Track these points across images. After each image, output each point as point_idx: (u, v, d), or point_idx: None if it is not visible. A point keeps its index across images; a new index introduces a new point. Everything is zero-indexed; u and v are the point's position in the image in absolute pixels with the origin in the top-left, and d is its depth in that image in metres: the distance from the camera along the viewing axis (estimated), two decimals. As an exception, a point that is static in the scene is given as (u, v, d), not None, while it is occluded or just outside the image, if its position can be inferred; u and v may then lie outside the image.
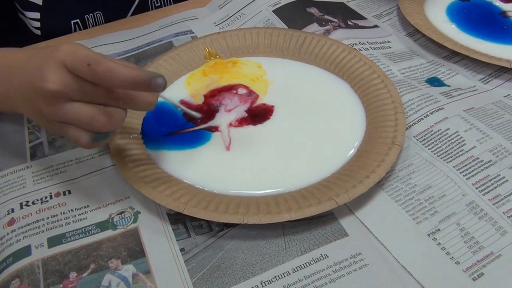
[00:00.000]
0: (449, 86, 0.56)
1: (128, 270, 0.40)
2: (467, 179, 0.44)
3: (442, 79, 0.57)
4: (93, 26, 0.71)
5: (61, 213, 0.44)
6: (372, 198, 0.44)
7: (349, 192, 0.42)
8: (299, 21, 0.65)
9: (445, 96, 0.53)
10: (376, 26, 0.67)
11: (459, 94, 0.54)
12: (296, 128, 0.51)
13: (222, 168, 0.47)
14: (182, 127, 0.51)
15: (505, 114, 0.51)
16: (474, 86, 0.56)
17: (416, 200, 0.43)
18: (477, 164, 0.45)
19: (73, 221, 0.44)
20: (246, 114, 0.52)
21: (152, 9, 0.76)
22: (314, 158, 0.48)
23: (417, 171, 0.46)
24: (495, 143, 0.47)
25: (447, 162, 0.46)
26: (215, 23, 0.69)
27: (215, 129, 0.50)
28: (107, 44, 0.66)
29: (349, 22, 0.66)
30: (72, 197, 0.46)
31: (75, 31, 0.70)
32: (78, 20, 0.69)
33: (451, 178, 0.44)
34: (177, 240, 0.42)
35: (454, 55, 0.60)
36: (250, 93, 0.55)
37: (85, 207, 0.45)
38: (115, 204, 0.45)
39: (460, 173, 0.45)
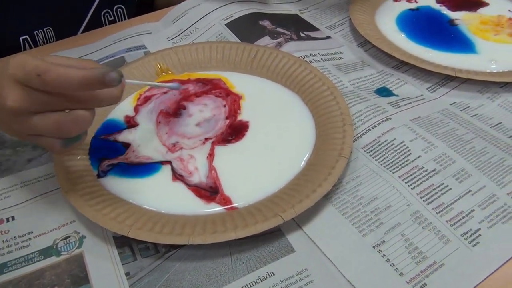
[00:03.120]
0: (397, 96, 0.57)
1: (71, 298, 0.39)
2: (412, 189, 0.45)
3: (391, 89, 0.58)
4: (43, 42, 0.70)
5: (3, 241, 0.43)
6: (320, 212, 0.44)
7: (295, 207, 0.42)
8: (252, 35, 0.65)
9: (393, 106, 0.54)
10: (328, 37, 0.68)
11: (406, 104, 0.55)
12: (246, 144, 0.51)
13: (170, 188, 0.46)
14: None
15: (450, 122, 0.52)
16: (422, 95, 0.57)
17: (363, 212, 0.43)
18: (421, 173, 0.46)
19: (15, 249, 0.42)
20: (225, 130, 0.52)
21: (106, 24, 0.75)
22: (263, 174, 0.48)
23: (364, 183, 0.46)
24: (440, 151, 0.48)
25: (393, 173, 0.46)
26: (168, 37, 0.68)
27: (166, 163, 0.49)
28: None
29: (302, 34, 0.67)
30: (15, 224, 0.45)
31: (24, 48, 0.69)
32: (27, 36, 0.68)
33: (396, 189, 0.45)
34: (122, 264, 0.41)
35: (403, 65, 0.61)
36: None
37: (28, 233, 0.44)
38: (60, 229, 0.44)
39: (406, 183, 0.45)
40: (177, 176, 0.47)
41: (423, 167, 0.46)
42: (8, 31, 0.66)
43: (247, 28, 0.66)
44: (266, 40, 0.64)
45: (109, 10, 0.75)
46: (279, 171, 0.48)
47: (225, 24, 0.67)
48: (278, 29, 0.66)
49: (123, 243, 0.43)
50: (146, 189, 0.46)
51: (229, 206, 0.45)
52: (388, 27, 0.68)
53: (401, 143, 0.49)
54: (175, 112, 0.54)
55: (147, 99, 0.56)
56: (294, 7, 0.75)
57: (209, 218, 0.43)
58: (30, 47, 0.70)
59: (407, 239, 0.41)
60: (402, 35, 0.66)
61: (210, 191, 0.46)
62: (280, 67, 0.59)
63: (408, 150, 0.48)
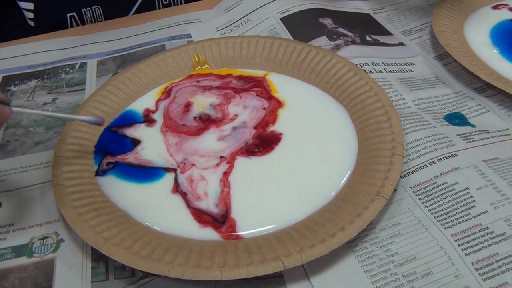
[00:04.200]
0: (473, 126, 0.45)
1: (26, 311, 0.34)
2: (466, 254, 0.34)
3: (467, 116, 0.46)
4: (91, 21, 0.67)
5: (-19, 229, 0.39)
6: (337, 262, 0.35)
7: (303, 252, 0.33)
8: (307, 33, 0.56)
9: (464, 139, 0.42)
10: (401, 44, 0.57)
11: (484, 139, 0.43)
12: (273, 160, 0.43)
13: (166, 200, 0.39)
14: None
15: (539, 171, 0.39)
16: (507, 129, 0.44)
17: (393, 274, 0.33)
18: (484, 236, 0.34)
19: (-10, 240, 0.38)
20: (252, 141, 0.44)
21: (160, 7, 0.70)
22: (281, 200, 0.39)
23: (403, 234, 0.36)
24: (516, 210, 0.36)
25: (445, 228, 0.35)
26: (217, 28, 0.62)
27: (171, 170, 0.42)
28: (98, 43, 0.61)
29: (368, 37, 0.57)
30: (0, 212, 0.41)
31: (71, 25, 0.66)
32: (74, 13, 0.65)
33: (445, 251, 0.34)
34: (92, 282, 0.35)
35: (489, 88, 0.49)
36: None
37: (9, 225, 0.40)
38: (41, 227, 0.39)
39: (459, 245, 0.34)
40: (179, 190, 0.40)
41: (487, 228, 0.35)
42: (55, 7, 0.64)
43: (303, 24, 0.57)
44: (322, 41, 0.55)
45: None
46: (300, 201, 0.39)
47: (280, 18, 0.59)
48: (340, 29, 0.57)
49: (100, 255, 0.36)
50: (141, 197, 0.40)
51: (228, 233, 0.37)
52: (478, 38, 0.55)
53: (465, 189, 0.38)
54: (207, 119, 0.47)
55: (168, 93, 0.50)
56: (367, 5, 0.64)
57: (197, 246, 0.35)
58: (77, 25, 0.67)
59: (446, 324, 0.30)
60: (495, 51, 0.53)
61: (218, 220, 0.38)
62: (331, 73, 0.50)
63: (472, 201, 0.37)
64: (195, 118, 0.47)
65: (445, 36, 0.53)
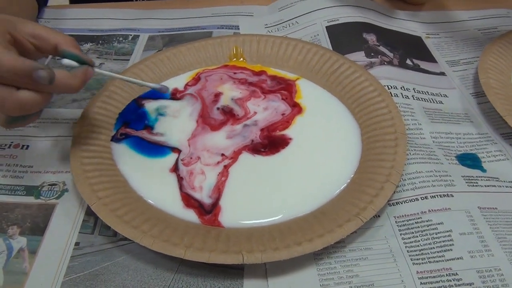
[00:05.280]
0: (484, 171, 0.43)
1: (19, 242, 0.38)
2: (425, 295, 0.33)
3: (482, 159, 0.44)
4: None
5: (6, 164, 0.45)
6: (298, 270, 0.36)
7: (265, 252, 0.35)
8: (347, 45, 0.56)
9: (467, 182, 0.41)
10: (442, 73, 0.55)
11: (489, 186, 0.41)
12: (274, 162, 0.44)
13: (162, 176, 0.42)
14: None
15: (537, 231, 0.37)
16: (521, 182, 0.42)
17: (346, 294, 0.34)
18: (450, 281, 0.34)
19: (10, 176, 0.44)
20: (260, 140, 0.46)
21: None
22: (270, 200, 0.41)
23: (370, 260, 0.36)
24: (493, 264, 0.35)
25: (413, 263, 0.35)
26: (266, 25, 0.63)
27: (176, 150, 0.45)
28: (154, 19, 0.65)
29: (408, 61, 0.56)
30: (25, 153, 0.46)
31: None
32: None
33: (405, 285, 0.34)
34: (79, 232, 0.39)
35: (517, 135, 0.47)
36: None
37: (29, 166, 0.45)
38: (54, 174, 0.44)
39: (421, 283, 0.34)
40: (176, 172, 0.43)
41: (456, 274, 0.34)
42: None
43: (346, 36, 0.58)
44: (359, 56, 0.55)
45: None
46: (285, 205, 0.40)
47: (326, 26, 0.60)
48: (381, 48, 0.56)
49: (92, 211, 0.40)
50: (143, 169, 0.43)
51: (209, 216, 0.39)
52: (525, 83, 0.52)
53: (447, 231, 0.37)
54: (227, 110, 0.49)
55: (197, 80, 0.53)
56: (422, 29, 0.63)
57: (175, 224, 0.38)
58: (143, -1, 0.72)
59: None
60: (539, 99, 0.50)
61: (205, 209, 0.40)
62: (356, 90, 0.50)
63: (451, 244, 0.36)
64: (218, 108, 0.49)
65: (487, 74, 0.51)
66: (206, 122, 0.48)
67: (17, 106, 0.35)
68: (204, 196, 0.41)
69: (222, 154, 0.44)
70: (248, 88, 0.52)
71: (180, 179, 0.42)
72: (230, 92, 0.52)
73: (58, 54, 0.38)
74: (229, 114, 0.49)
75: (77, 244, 0.38)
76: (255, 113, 0.49)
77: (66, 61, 0.37)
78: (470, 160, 0.44)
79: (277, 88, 0.52)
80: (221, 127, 0.47)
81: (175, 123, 0.48)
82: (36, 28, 0.38)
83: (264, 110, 0.49)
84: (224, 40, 0.57)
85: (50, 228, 0.39)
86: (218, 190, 0.42)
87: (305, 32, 0.60)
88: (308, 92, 0.52)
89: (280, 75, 0.54)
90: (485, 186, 0.41)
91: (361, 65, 0.53)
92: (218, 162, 0.43)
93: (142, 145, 0.45)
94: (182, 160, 0.44)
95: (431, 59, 0.57)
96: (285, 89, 0.52)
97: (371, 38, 0.57)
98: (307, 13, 0.62)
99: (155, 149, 0.45)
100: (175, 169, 0.43)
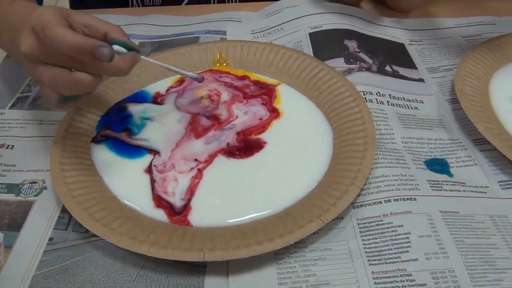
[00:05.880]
0: (451, 176, 0.44)
1: (-3, 237, 0.40)
2: (377, 295, 0.34)
3: (450, 164, 0.45)
4: (150, 1, 0.73)
5: (-10, 163, 0.47)
6: (258, 268, 0.37)
7: (226, 251, 0.36)
8: (328, 51, 0.57)
9: (431, 187, 0.42)
10: (421, 80, 0.56)
11: (453, 190, 0.42)
12: (248, 165, 0.45)
13: (135, 177, 0.44)
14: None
15: (496, 235, 0.38)
16: (487, 187, 0.43)
17: (302, 292, 0.35)
18: (403, 281, 0.35)
19: (-7, 174, 0.46)
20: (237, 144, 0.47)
21: (214, 1, 0.74)
22: (234, 201, 0.42)
23: (329, 260, 0.37)
24: (447, 266, 0.35)
25: (369, 264, 0.36)
26: (253, 31, 0.65)
27: (152, 152, 0.46)
28: (147, 25, 0.67)
29: (387, 68, 0.56)
30: (10, 152, 0.48)
31: (132, 4, 0.73)
32: None
33: (359, 285, 0.35)
34: (54, 228, 0.41)
35: (487, 141, 0.47)
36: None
37: (12, 165, 0.47)
38: (35, 172, 0.46)
39: (375, 283, 0.35)
40: (151, 175, 0.44)
41: (410, 275, 0.35)
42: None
43: (327, 43, 0.59)
44: (338, 62, 0.56)
45: None
46: (254, 206, 0.42)
47: (309, 33, 0.61)
48: (361, 55, 0.57)
49: (69, 209, 0.42)
50: (119, 169, 0.45)
51: (179, 217, 0.41)
52: (502, 90, 0.53)
53: (406, 233, 0.38)
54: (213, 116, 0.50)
55: (181, 83, 0.55)
56: (406, 35, 0.63)
57: (144, 222, 0.40)
58: (138, 5, 0.74)
59: None
60: (514, 107, 0.51)
61: (175, 211, 0.41)
62: (332, 95, 0.51)
63: (408, 246, 0.37)
64: (206, 116, 0.50)
65: (464, 81, 0.52)
66: (194, 129, 0.49)
67: (72, 86, 0.38)
68: (176, 199, 0.42)
69: (196, 159, 0.45)
70: (233, 92, 0.54)
71: (153, 181, 0.44)
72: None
73: (108, 41, 0.40)
74: (214, 119, 0.50)
75: (51, 239, 0.40)
76: (237, 117, 0.50)
77: (116, 47, 0.40)
78: (438, 165, 0.45)
79: (258, 93, 0.54)
80: (205, 134, 0.48)
81: (163, 130, 0.49)
82: (87, 18, 0.40)
83: (244, 114, 0.51)
84: (208, 46, 0.59)
85: (26, 224, 0.41)
86: (191, 191, 0.43)
87: (289, 38, 0.62)
88: (287, 97, 0.53)
89: (262, 80, 0.55)
90: (449, 190, 0.42)
91: (339, 71, 0.54)
92: (192, 168, 0.45)
93: (120, 146, 0.47)
94: (155, 166, 0.45)
95: (411, 65, 0.58)
96: (266, 94, 0.53)
97: (352, 44, 0.58)
98: (292, 20, 0.64)
99: (133, 150, 0.47)
100: (149, 170, 0.45)
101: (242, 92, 0.53)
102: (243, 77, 0.56)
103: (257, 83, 0.55)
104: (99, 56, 0.37)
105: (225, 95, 0.53)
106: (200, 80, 0.49)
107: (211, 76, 0.56)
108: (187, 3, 0.74)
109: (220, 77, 0.56)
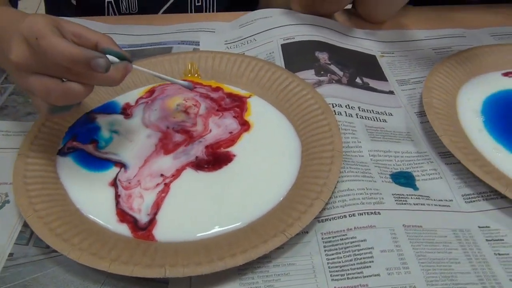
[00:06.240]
0: (416, 189, 0.44)
1: (-45, 253, 0.39)
2: (338, 311, 0.34)
3: (416, 178, 0.46)
4: (126, 9, 0.72)
5: (-47, 176, 0.46)
6: (222, 284, 0.37)
7: (188, 266, 0.36)
8: (299, 63, 0.58)
9: (396, 200, 0.42)
10: (391, 92, 0.57)
11: (418, 204, 0.42)
12: (217, 179, 0.45)
13: (100, 190, 0.44)
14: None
15: (458, 250, 0.39)
16: (451, 200, 0.43)
17: (264, 308, 0.35)
18: (364, 297, 0.35)
19: (-46, 188, 0.45)
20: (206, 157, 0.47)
21: (192, 11, 0.74)
22: (200, 216, 0.42)
23: (292, 275, 0.37)
24: (408, 281, 0.36)
25: (332, 280, 0.36)
26: (226, 41, 0.65)
27: (118, 165, 0.46)
28: (120, 34, 0.67)
29: (358, 80, 0.57)
30: (-25, 166, 0.47)
31: (108, 11, 0.72)
32: (112, 0, 0.71)
33: (321, 301, 0.35)
34: (14, 243, 0.40)
35: (452, 155, 0.48)
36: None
37: (-24, 178, 0.46)
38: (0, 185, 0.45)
39: (337, 300, 0.35)
40: (116, 189, 0.44)
41: (371, 291, 0.35)
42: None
43: (299, 55, 0.59)
44: (308, 74, 0.56)
45: None
46: (219, 220, 0.41)
47: (282, 44, 0.61)
48: (332, 67, 0.58)
49: (31, 223, 0.41)
50: (84, 182, 0.44)
51: (143, 232, 0.40)
52: (469, 103, 0.54)
53: (369, 248, 0.38)
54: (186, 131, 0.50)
55: (151, 93, 0.54)
56: (378, 47, 0.64)
57: (107, 237, 0.39)
58: (114, 12, 0.73)
59: None
60: (480, 119, 0.51)
61: (139, 226, 0.41)
62: (302, 108, 0.51)
63: (370, 261, 0.37)
64: (176, 130, 0.50)
65: (431, 94, 0.53)
66: (164, 146, 0.48)
67: (64, 96, 0.38)
68: (142, 216, 0.42)
69: (162, 175, 0.45)
70: (211, 103, 0.53)
71: (117, 195, 0.43)
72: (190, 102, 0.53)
73: (99, 51, 0.40)
74: (186, 133, 0.49)
75: (11, 255, 0.39)
76: (210, 131, 0.50)
77: (110, 58, 0.39)
78: (404, 178, 0.45)
79: (231, 106, 0.54)
80: (175, 149, 0.47)
81: (131, 146, 0.48)
82: (76, 27, 0.40)
83: (217, 128, 0.50)
84: (180, 56, 0.58)
85: (-13, 239, 0.40)
86: (157, 205, 0.43)
87: (261, 49, 0.62)
88: (258, 109, 0.53)
89: (235, 92, 0.55)
90: (414, 204, 0.42)
91: (309, 83, 0.54)
92: (158, 184, 0.44)
93: (86, 158, 0.46)
94: (120, 181, 0.44)
95: (382, 77, 0.59)
96: (238, 106, 0.53)
97: (323, 56, 0.59)
98: (265, 31, 0.64)
99: (99, 163, 0.46)
100: (114, 183, 0.44)
101: (218, 105, 0.53)
102: (217, 89, 0.56)
103: (230, 95, 0.55)
104: (95, 67, 0.36)
105: (203, 108, 0.52)
106: (192, 88, 0.49)
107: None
108: (164, 12, 0.74)
109: (195, 87, 0.56)
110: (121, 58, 0.40)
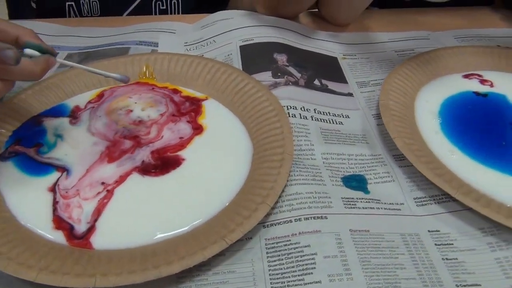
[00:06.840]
0: (367, 192, 0.43)
1: None
2: (275, 320, 0.33)
3: (369, 181, 0.44)
4: (88, 13, 0.71)
5: None
6: (153, 292, 0.35)
7: (120, 275, 0.34)
8: (256, 65, 0.57)
9: (345, 204, 0.41)
10: (350, 94, 0.56)
11: (367, 208, 0.41)
12: (164, 184, 0.43)
13: (38, 196, 0.42)
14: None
15: (405, 254, 0.37)
16: (402, 204, 0.42)
17: (199, 319, 0.33)
18: (303, 305, 0.34)
19: None
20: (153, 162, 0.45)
21: (156, 13, 0.73)
22: (142, 222, 0.40)
23: (231, 284, 0.35)
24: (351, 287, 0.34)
25: (271, 287, 0.35)
26: (186, 43, 0.64)
27: (60, 169, 0.44)
28: (76, 36, 0.65)
29: (317, 82, 0.56)
30: None
31: (69, 14, 0.71)
32: (73, 3, 0.70)
33: (258, 310, 0.33)
34: None
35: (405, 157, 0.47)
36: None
37: None
38: None
39: (275, 308, 0.34)
40: (54, 196, 0.42)
41: (311, 298, 0.34)
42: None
43: (257, 56, 0.58)
44: (265, 76, 0.55)
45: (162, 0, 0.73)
46: (162, 226, 0.40)
47: (240, 46, 0.60)
48: (290, 68, 0.57)
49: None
50: (23, 187, 0.42)
51: (81, 241, 0.38)
52: (427, 105, 0.53)
53: (312, 254, 0.37)
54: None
55: (100, 97, 0.53)
56: (340, 49, 0.63)
57: (39, 245, 0.37)
58: (75, 15, 0.72)
59: None
60: (437, 121, 0.51)
61: (76, 236, 0.39)
62: (256, 110, 0.50)
63: (313, 268, 0.36)
64: (125, 136, 0.48)
65: (388, 96, 0.52)
66: (110, 154, 0.46)
67: None
68: (82, 225, 0.40)
69: (103, 183, 0.43)
70: (174, 108, 0.51)
71: (55, 202, 0.41)
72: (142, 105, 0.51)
73: (20, 45, 0.39)
74: (135, 139, 0.47)
75: None
76: (162, 137, 0.48)
77: (28, 51, 0.38)
78: (356, 182, 0.44)
79: (188, 110, 0.52)
80: (121, 157, 0.45)
81: (74, 152, 0.46)
82: None
83: (170, 133, 0.48)
84: (136, 58, 0.57)
85: None
86: (98, 211, 0.41)
87: (220, 51, 0.60)
88: (212, 112, 0.52)
89: (192, 96, 0.54)
90: (363, 208, 0.41)
91: (265, 85, 0.53)
92: (98, 193, 0.42)
93: (28, 163, 0.45)
94: (59, 188, 0.42)
95: (342, 79, 0.58)
96: (194, 110, 0.52)
97: (281, 58, 0.58)
98: (225, 32, 0.63)
99: (39, 167, 0.44)
100: (53, 189, 0.42)
101: (177, 109, 0.51)
102: (175, 91, 0.54)
103: (187, 98, 0.53)
104: (4, 58, 0.35)
105: (154, 111, 0.51)
106: (126, 81, 0.47)
107: (146, 89, 0.54)
108: (129, 14, 0.73)
109: (153, 88, 0.54)
110: (44, 51, 0.39)
